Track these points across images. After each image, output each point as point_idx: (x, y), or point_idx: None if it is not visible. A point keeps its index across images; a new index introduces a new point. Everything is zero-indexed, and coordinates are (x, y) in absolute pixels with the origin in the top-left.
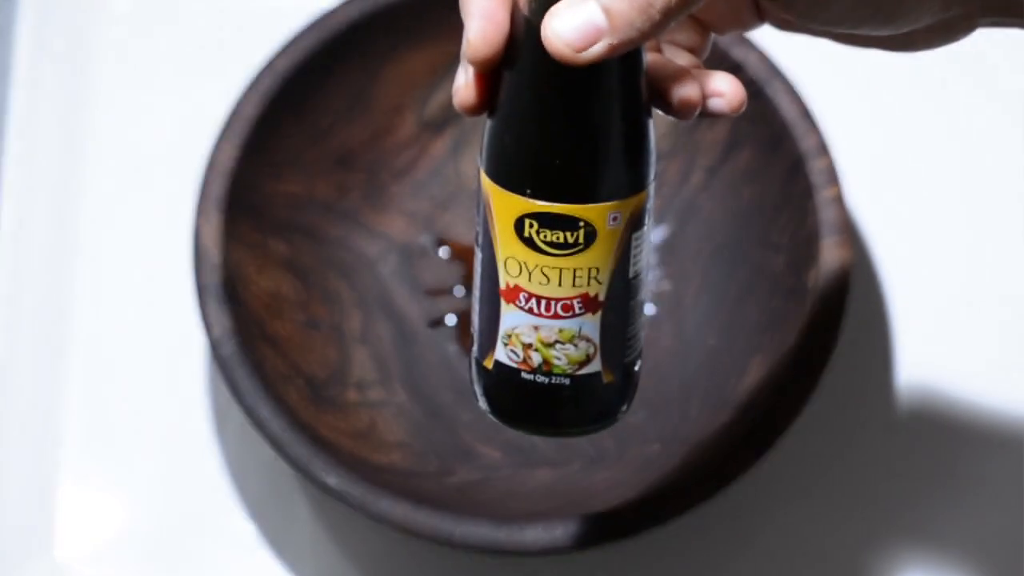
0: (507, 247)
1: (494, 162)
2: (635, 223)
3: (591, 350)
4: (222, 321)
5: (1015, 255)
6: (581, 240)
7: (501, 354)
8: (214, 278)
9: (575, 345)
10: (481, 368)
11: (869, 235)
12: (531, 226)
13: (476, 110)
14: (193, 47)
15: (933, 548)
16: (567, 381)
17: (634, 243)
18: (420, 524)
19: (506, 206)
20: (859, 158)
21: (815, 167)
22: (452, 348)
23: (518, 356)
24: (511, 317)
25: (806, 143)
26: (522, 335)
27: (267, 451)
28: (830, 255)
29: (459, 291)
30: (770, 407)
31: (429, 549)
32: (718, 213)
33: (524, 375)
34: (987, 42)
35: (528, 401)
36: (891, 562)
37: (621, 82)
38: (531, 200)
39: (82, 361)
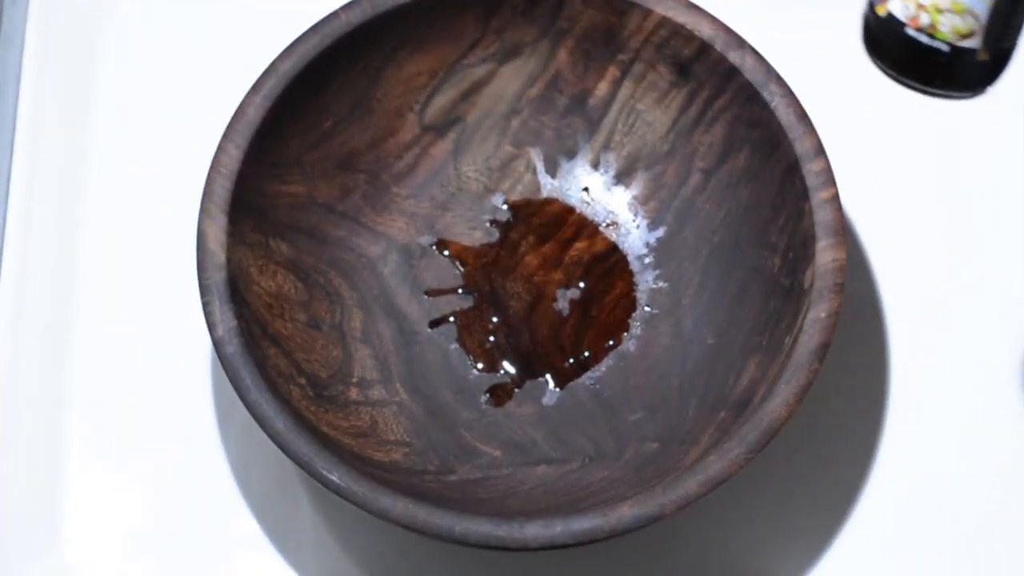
0: None
1: None
2: None
3: (976, 27)
4: (226, 320)
5: (1009, 257)
6: None
7: (895, 5)
8: (218, 278)
9: (963, 18)
10: (873, 14)
11: (864, 237)
12: None
13: None
14: (197, 50)
15: (932, 541)
16: (946, 47)
17: None
18: (421, 521)
19: None
20: (855, 160)
21: (811, 169)
22: (452, 348)
23: (910, 11)
24: None
25: (802, 146)
26: None
27: (270, 449)
28: (826, 256)
29: (459, 291)
30: (766, 406)
31: (430, 546)
32: (716, 214)
33: (909, 30)
34: None
35: (906, 53)
36: (891, 557)
37: None
38: None
39: (86, 360)
